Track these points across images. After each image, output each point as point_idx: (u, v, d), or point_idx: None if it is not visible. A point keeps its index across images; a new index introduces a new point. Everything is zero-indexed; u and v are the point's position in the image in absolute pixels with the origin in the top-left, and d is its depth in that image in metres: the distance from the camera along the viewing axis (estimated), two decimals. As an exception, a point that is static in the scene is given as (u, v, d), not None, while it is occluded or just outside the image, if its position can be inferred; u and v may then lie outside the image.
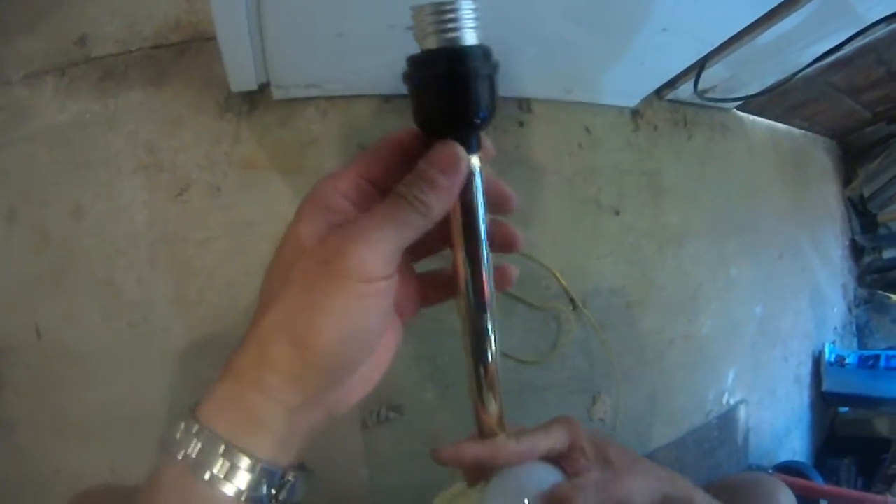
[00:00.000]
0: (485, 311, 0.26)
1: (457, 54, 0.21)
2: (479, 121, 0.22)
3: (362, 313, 0.21)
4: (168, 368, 0.69)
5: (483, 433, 0.29)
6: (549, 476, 0.30)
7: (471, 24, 0.21)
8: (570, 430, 0.32)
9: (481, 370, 0.27)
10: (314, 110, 0.77)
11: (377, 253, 0.20)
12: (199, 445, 0.21)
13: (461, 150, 0.22)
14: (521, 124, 0.81)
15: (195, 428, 0.21)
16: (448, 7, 0.20)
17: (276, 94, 0.77)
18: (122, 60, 0.81)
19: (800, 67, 0.94)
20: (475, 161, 0.23)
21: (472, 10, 0.21)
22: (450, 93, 0.21)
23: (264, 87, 0.77)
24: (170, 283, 0.71)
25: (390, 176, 0.23)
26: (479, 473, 0.31)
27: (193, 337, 0.71)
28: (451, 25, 0.20)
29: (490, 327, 0.26)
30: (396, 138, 0.24)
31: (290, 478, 0.23)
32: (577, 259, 0.83)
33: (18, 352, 0.65)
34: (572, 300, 0.82)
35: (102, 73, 0.81)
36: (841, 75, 1.13)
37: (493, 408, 0.29)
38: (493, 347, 0.27)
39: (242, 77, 0.76)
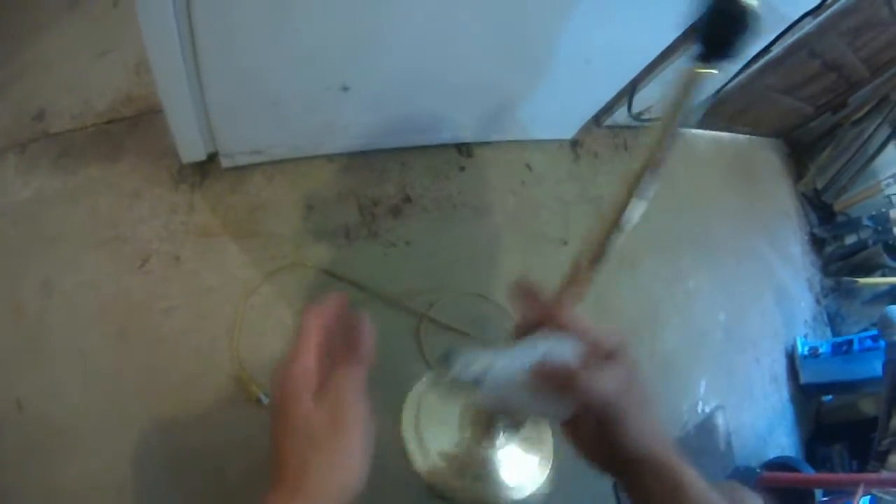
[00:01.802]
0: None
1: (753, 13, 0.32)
2: (734, 50, 0.34)
3: (369, 443, 0.33)
4: (144, 437, 0.70)
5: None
6: (566, 351, 0.34)
7: None
8: (623, 340, 0.37)
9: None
10: (261, 176, 0.81)
11: (357, 401, 0.33)
12: None
13: (370, 332, 0.34)
14: (463, 169, 0.84)
15: None
16: None
17: (225, 162, 0.80)
18: (78, 136, 0.85)
19: (732, 75, 0.97)
20: (712, 71, 0.36)
21: None
22: (737, 27, 0.33)
23: (213, 157, 0.81)
24: (140, 353, 0.73)
25: (330, 336, 0.35)
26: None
27: (165, 402, 0.72)
28: None
29: None
30: (325, 314, 0.35)
31: None
32: (528, 292, 0.85)
33: (1, 426, 0.67)
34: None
35: (60, 150, 0.84)
36: (776, 76, 1.17)
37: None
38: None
39: (191, 148, 0.79)
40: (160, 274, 0.77)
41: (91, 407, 0.69)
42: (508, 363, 0.35)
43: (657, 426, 0.37)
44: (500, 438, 0.44)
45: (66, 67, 0.90)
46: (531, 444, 0.42)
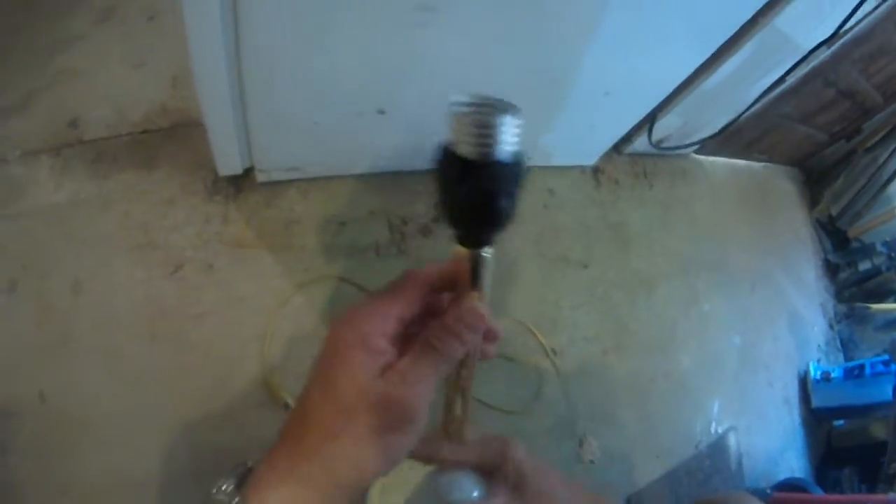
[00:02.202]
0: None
1: (500, 172, 0.21)
2: (503, 222, 0.24)
3: (411, 444, 0.27)
4: (170, 434, 0.71)
5: (448, 430, 0.34)
6: (469, 489, 0.32)
7: (513, 139, 0.21)
8: (504, 451, 0.32)
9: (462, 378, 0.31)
10: (296, 192, 0.83)
11: (424, 403, 0.26)
12: None
13: (483, 308, 0.26)
14: (489, 191, 0.86)
15: None
16: (492, 121, 0.20)
17: (260, 177, 0.83)
18: (112, 144, 0.87)
19: (748, 105, 0.99)
20: (490, 252, 0.25)
21: (518, 127, 0.20)
22: (484, 201, 0.22)
23: (249, 171, 0.83)
24: (169, 355, 0.75)
25: (416, 314, 0.28)
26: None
27: (192, 404, 0.74)
28: (493, 139, 0.20)
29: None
30: (424, 280, 0.28)
31: None
32: (550, 313, 0.87)
33: (23, 417, 0.68)
34: (551, 351, 0.86)
35: (95, 155, 0.86)
36: (792, 104, 1.19)
37: (458, 412, 0.33)
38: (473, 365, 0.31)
39: (229, 161, 0.82)
40: (193, 281, 0.79)
41: (115, 403, 0.71)
42: None
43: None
44: None
45: (100, 77, 0.91)
46: None
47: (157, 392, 0.73)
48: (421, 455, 0.33)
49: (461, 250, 0.25)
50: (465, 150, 0.21)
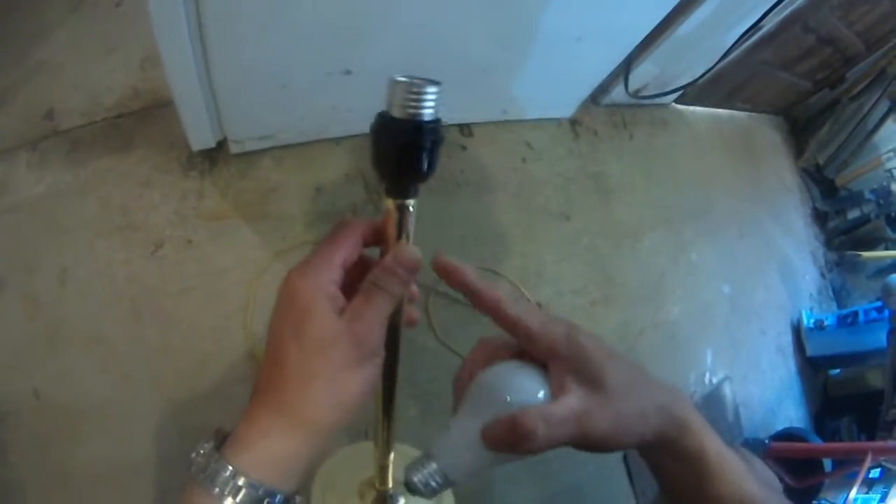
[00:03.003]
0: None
1: (418, 129, 0.26)
2: (423, 175, 0.28)
3: (377, 375, 0.31)
4: (163, 414, 0.72)
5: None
6: (531, 387, 0.29)
7: (431, 103, 0.26)
8: (571, 336, 0.31)
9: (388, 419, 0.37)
10: (270, 160, 0.82)
11: (381, 333, 0.30)
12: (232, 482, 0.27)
13: (417, 252, 0.30)
14: (464, 148, 0.86)
15: (228, 471, 0.27)
16: (421, 90, 0.25)
17: (234, 148, 0.82)
18: (88, 131, 0.87)
19: (726, 50, 0.98)
20: (413, 203, 0.29)
21: (435, 93, 0.26)
22: (405, 154, 0.27)
23: (222, 144, 0.82)
24: (155, 334, 0.75)
25: (355, 259, 0.31)
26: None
27: (181, 382, 0.74)
28: (417, 104, 0.26)
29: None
30: (359, 229, 0.31)
31: (298, 501, 0.29)
32: (534, 266, 0.87)
33: (19, 414, 0.68)
34: (537, 304, 0.86)
35: (71, 145, 0.86)
36: (770, 51, 1.18)
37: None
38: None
39: (201, 135, 0.81)
40: (173, 258, 0.79)
41: (107, 390, 0.71)
42: (461, 444, 0.30)
43: (659, 400, 0.31)
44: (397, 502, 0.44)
45: (72, 67, 0.91)
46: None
47: (146, 373, 0.73)
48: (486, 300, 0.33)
49: (390, 202, 0.29)
50: (396, 112, 0.26)
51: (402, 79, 0.25)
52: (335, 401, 0.28)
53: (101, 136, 0.87)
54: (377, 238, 0.31)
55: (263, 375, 0.29)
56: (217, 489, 0.26)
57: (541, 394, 0.30)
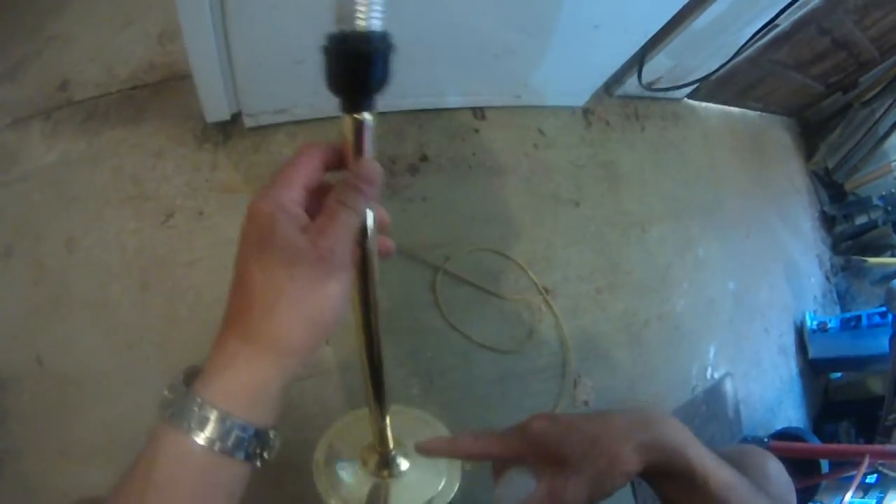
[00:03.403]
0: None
1: (361, 38, 0.26)
2: (373, 86, 0.27)
3: (346, 292, 0.29)
4: (165, 385, 0.73)
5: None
6: (526, 486, 0.35)
7: (376, 15, 0.26)
8: (522, 437, 0.36)
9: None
10: (284, 135, 0.83)
11: (346, 248, 0.28)
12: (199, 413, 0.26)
13: (378, 166, 0.29)
14: (477, 131, 0.86)
15: (198, 401, 0.26)
16: (360, 1, 0.25)
17: (248, 122, 0.82)
18: (102, 102, 0.87)
19: (739, 47, 0.98)
20: (369, 117, 0.28)
21: (379, 5, 0.26)
22: (352, 65, 0.26)
23: (236, 118, 0.83)
24: (162, 304, 0.75)
25: (318, 182, 0.30)
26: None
27: (187, 351, 0.74)
28: (358, 15, 0.25)
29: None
30: (319, 150, 0.30)
31: (272, 435, 0.28)
32: (541, 251, 0.87)
33: (21, 381, 0.69)
34: (544, 289, 0.87)
35: (85, 115, 0.86)
36: (784, 51, 1.18)
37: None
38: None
39: (216, 108, 0.81)
40: (184, 228, 0.79)
41: (111, 358, 0.71)
42: None
43: (633, 438, 0.35)
44: (398, 464, 0.44)
45: (88, 39, 0.91)
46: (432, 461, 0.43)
47: (151, 343, 0.73)
48: (443, 451, 0.38)
49: (347, 119, 0.28)
50: (344, 26, 0.26)
51: None
52: (302, 318, 0.27)
53: (115, 107, 0.87)
54: (339, 161, 0.29)
55: (230, 305, 0.28)
56: (185, 423, 0.25)
57: (530, 490, 0.36)
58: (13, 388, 0.69)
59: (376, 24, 0.26)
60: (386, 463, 0.44)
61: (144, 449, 0.26)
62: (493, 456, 0.38)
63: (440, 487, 0.42)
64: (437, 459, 0.41)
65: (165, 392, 0.27)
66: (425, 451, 0.39)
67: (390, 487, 0.42)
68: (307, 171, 0.29)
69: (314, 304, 0.27)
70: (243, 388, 0.26)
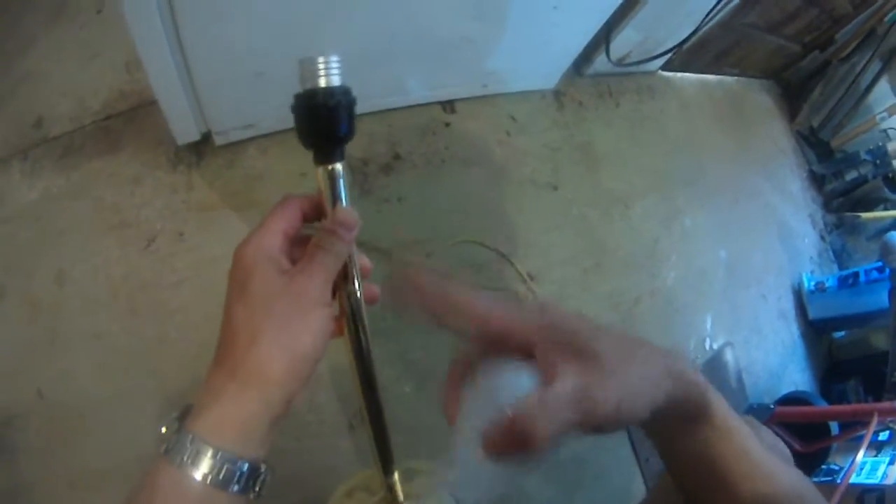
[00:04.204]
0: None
1: (324, 94, 0.29)
2: (340, 137, 0.30)
3: (326, 327, 0.30)
4: (164, 405, 0.73)
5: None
6: (521, 381, 0.26)
7: (335, 72, 0.29)
8: (542, 316, 0.28)
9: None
10: (255, 149, 0.83)
11: (325, 287, 0.30)
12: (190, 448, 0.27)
13: (354, 212, 0.31)
14: (448, 125, 0.86)
15: (189, 437, 0.27)
16: (320, 61, 0.28)
17: (218, 140, 0.83)
18: (77, 135, 0.88)
19: (707, 13, 0.97)
20: (339, 167, 0.31)
21: (337, 62, 0.29)
22: (318, 119, 0.29)
23: (207, 137, 0.83)
24: (151, 328, 0.76)
25: (297, 229, 0.32)
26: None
27: (180, 372, 0.75)
28: (319, 74, 0.28)
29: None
30: (299, 201, 0.32)
31: (262, 470, 0.29)
32: (523, 237, 0.87)
33: (25, 417, 0.70)
34: (528, 276, 0.86)
35: (62, 150, 0.87)
36: (755, 13, 1.16)
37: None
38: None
39: (185, 130, 0.82)
40: (166, 251, 0.80)
41: (109, 386, 0.72)
42: (468, 466, 0.27)
43: (661, 361, 0.29)
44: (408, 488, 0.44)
45: (58, 75, 0.92)
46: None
47: (145, 367, 0.74)
48: (441, 305, 0.28)
49: (320, 171, 0.31)
50: (308, 85, 0.29)
51: (307, 56, 0.28)
52: (283, 351, 0.28)
53: (90, 139, 0.88)
54: (317, 211, 0.32)
55: (218, 342, 0.30)
56: (179, 458, 0.26)
57: (533, 386, 0.27)
58: (18, 424, 0.70)
59: (336, 80, 0.29)
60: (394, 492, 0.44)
61: (141, 484, 0.27)
62: (508, 331, 0.28)
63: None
64: None
65: (163, 429, 0.28)
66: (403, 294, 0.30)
67: None
68: (286, 219, 0.31)
69: (294, 337, 0.29)
70: (231, 423, 0.28)
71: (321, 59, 0.28)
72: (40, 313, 0.75)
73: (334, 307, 0.32)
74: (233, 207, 0.81)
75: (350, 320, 0.32)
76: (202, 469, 0.26)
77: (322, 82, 0.28)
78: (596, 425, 0.26)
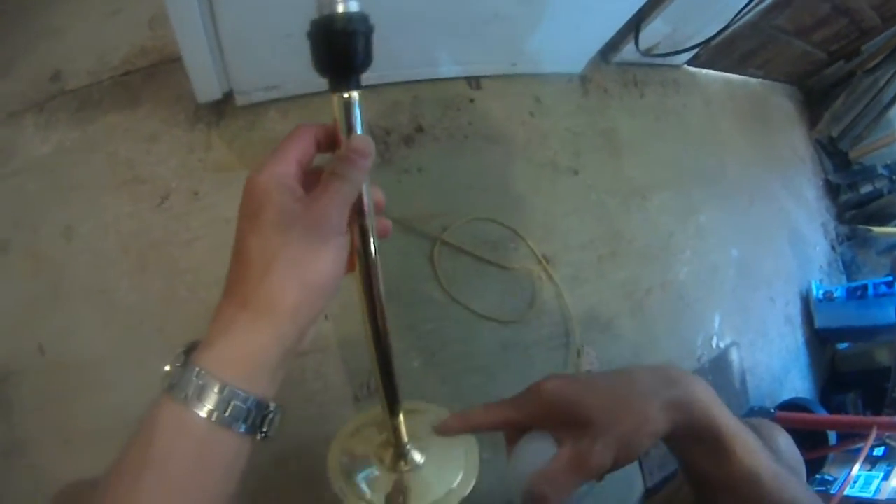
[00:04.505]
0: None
1: (343, 20, 0.28)
2: (357, 65, 0.29)
3: (342, 258, 0.29)
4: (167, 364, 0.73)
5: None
6: (544, 452, 0.33)
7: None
8: (536, 399, 0.35)
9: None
10: (276, 112, 0.82)
11: (341, 215, 0.29)
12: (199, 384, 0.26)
13: (370, 139, 0.30)
14: (472, 101, 0.85)
15: (196, 371, 0.25)
16: None
17: (240, 100, 0.81)
18: (95, 90, 0.86)
19: (738, 11, 0.96)
20: (356, 95, 0.30)
21: None
22: (336, 46, 0.28)
23: (228, 96, 0.82)
24: (160, 285, 0.75)
25: (311, 157, 0.31)
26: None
27: (187, 332, 0.73)
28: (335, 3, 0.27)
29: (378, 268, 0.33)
30: (312, 130, 0.31)
31: (272, 408, 0.28)
32: (540, 219, 0.86)
33: (24, 373, 0.69)
34: (544, 258, 0.86)
35: (78, 104, 0.86)
36: (785, 16, 1.15)
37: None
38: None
39: (207, 88, 0.80)
40: (179, 209, 0.79)
41: (112, 343, 0.71)
42: None
43: (659, 395, 0.33)
44: (415, 458, 0.44)
45: (78, 30, 0.90)
46: (448, 446, 0.43)
47: (152, 325, 0.73)
48: (457, 427, 0.37)
49: (335, 99, 0.30)
50: (325, 10, 0.27)
51: None
52: (297, 281, 0.27)
53: (108, 94, 0.87)
54: (331, 141, 0.31)
55: (229, 277, 0.28)
56: (183, 394, 0.25)
57: (549, 456, 0.33)
58: (16, 379, 0.69)
59: (354, 6, 0.27)
60: (402, 457, 0.43)
61: (142, 424, 0.25)
62: (508, 422, 0.36)
63: (459, 477, 0.41)
64: (454, 448, 0.40)
65: (167, 367, 0.27)
66: (441, 432, 0.38)
67: (410, 482, 0.42)
68: (301, 147, 0.30)
69: (308, 267, 0.27)
70: (241, 356, 0.26)
71: None
72: (45, 268, 0.74)
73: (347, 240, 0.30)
74: (251, 169, 0.80)
75: (361, 255, 0.31)
76: (207, 405, 0.25)
77: (339, 7, 0.27)
78: (599, 475, 0.32)
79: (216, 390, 0.25)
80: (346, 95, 0.29)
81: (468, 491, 0.40)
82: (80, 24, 0.93)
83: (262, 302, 0.26)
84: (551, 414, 0.34)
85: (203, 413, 0.25)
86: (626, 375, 0.35)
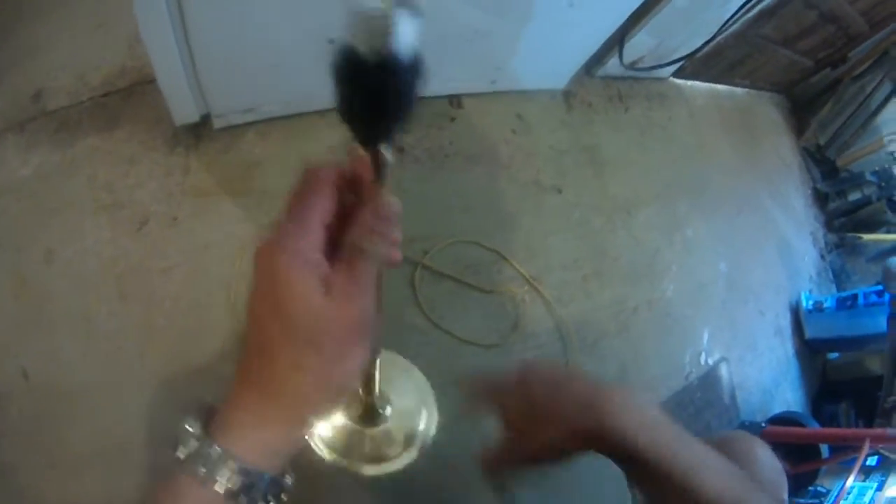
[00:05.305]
0: None
1: (395, 68, 0.20)
2: (402, 117, 0.23)
3: (368, 355, 0.29)
4: (147, 392, 0.71)
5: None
6: None
7: (407, 36, 0.20)
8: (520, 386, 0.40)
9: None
10: (254, 134, 0.81)
11: (373, 309, 0.27)
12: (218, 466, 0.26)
13: (397, 201, 0.27)
14: (453, 120, 0.84)
15: (215, 453, 0.26)
16: (392, 19, 0.19)
17: (217, 123, 0.81)
18: (75, 111, 0.86)
19: (724, 22, 0.96)
20: (387, 149, 0.25)
21: (411, 21, 0.20)
22: (382, 103, 0.21)
23: (206, 119, 0.81)
24: (139, 313, 0.74)
25: (335, 214, 0.27)
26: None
27: (166, 360, 0.73)
28: (392, 37, 0.19)
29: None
30: (329, 180, 0.27)
31: (287, 481, 0.29)
32: (523, 240, 0.85)
33: (9, 397, 0.68)
34: (528, 279, 0.85)
35: (58, 125, 0.85)
36: (771, 26, 1.15)
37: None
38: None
39: (184, 110, 0.80)
40: (158, 235, 0.78)
41: (94, 369, 0.70)
42: None
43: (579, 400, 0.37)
44: (380, 411, 0.44)
45: (59, 48, 0.90)
46: (413, 405, 0.44)
47: (132, 352, 0.73)
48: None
49: (360, 150, 0.25)
50: (360, 46, 0.20)
51: (372, 7, 0.19)
52: (327, 386, 0.27)
53: (87, 115, 0.86)
54: (349, 185, 0.28)
55: (248, 361, 0.27)
56: (203, 472, 0.25)
57: None
58: (2, 403, 0.69)
59: (404, 48, 0.20)
60: (369, 410, 0.43)
61: (158, 491, 0.26)
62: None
63: (421, 426, 0.43)
64: (413, 402, 0.44)
65: (181, 434, 0.27)
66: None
67: (375, 432, 0.43)
68: (322, 208, 0.26)
69: (340, 373, 0.27)
70: (266, 446, 0.27)
71: (396, 14, 0.19)
72: (27, 290, 0.73)
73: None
74: (229, 193, 0.79)
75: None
76: (225, 482, 0.25)
77: (392, 50, 0.19)
78: (532, 461, 0.40)
79: (236, 470, 0.25)
80: (382, 150, 0.24)
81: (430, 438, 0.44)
82: (61, 41, 0.92)
83: (289, 398, 0.26)
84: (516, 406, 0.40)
85: (220, 489, 0.25)
86: (565, 391, 0.39)
